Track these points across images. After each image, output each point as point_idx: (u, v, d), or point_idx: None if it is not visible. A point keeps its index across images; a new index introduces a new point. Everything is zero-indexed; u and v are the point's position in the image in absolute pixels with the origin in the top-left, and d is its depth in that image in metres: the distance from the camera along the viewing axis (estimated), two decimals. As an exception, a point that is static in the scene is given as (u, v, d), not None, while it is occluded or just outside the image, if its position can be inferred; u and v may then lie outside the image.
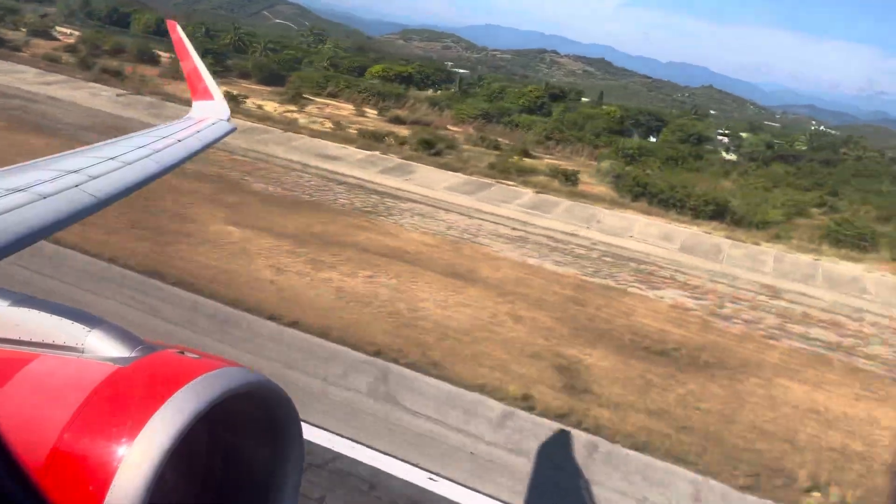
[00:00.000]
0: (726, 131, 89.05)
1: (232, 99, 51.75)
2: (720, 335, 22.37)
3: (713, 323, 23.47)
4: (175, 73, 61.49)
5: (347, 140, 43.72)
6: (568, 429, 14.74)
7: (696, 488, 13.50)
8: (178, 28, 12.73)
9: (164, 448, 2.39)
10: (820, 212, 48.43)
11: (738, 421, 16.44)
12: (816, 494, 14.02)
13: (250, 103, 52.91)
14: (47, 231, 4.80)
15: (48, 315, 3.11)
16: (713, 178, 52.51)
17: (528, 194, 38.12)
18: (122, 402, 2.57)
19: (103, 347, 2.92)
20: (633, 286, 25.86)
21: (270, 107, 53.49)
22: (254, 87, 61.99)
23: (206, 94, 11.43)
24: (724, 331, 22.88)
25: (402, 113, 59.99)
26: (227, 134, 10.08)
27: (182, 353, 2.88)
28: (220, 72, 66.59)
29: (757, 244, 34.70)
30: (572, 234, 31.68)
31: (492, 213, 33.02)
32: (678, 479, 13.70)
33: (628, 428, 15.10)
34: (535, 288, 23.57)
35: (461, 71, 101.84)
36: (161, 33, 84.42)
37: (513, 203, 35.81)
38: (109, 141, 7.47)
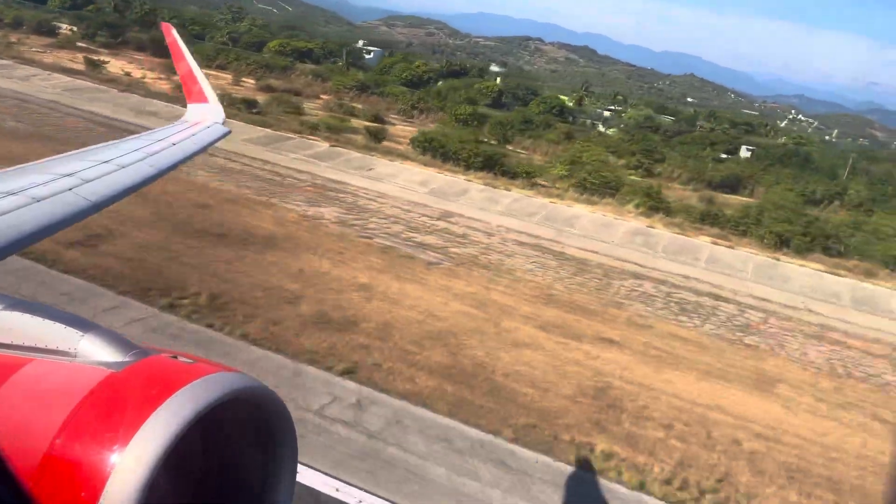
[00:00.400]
0: (614, 107, 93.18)
1: (91, 64, 55.61)
2: (304, 230, 26.82)
3: (321, 226, 27.87)
4: (66, 44, 65.37)
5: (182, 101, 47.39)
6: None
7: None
8: (173, 31, 12.82)
9: (158, 454, 2.39)
10: (635, 172, 53.00)
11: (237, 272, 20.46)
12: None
13: (118, 68, 56.68)
14: (41, 235, 4.81)
15: (41, 319, 3.10)
16: (547, 144, 56.68)
17: (323, 146, 42.20)
18: (115, 407, 2.55)
19: (96, 352, 2.91)
20: (287, 203, 30.22)
21: (140, 73, 57.01)
22: (147, 58, 65.32)
23: (201, 97, 11.37)
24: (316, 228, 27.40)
25: (275, 82, 63.80)
26: (222, 137, 10.01)
27: (175, 357, 2.89)
28: (116, 44, 70.14)
29: (497, 188, 38.98)
30: (311, 174, 36.13)
31: (268, 160, 37.09)
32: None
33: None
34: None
35: (374, 49, 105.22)
36: (77, 7, 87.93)
37: (299, 153, 39.84)
38: (104, 144, 7.49)
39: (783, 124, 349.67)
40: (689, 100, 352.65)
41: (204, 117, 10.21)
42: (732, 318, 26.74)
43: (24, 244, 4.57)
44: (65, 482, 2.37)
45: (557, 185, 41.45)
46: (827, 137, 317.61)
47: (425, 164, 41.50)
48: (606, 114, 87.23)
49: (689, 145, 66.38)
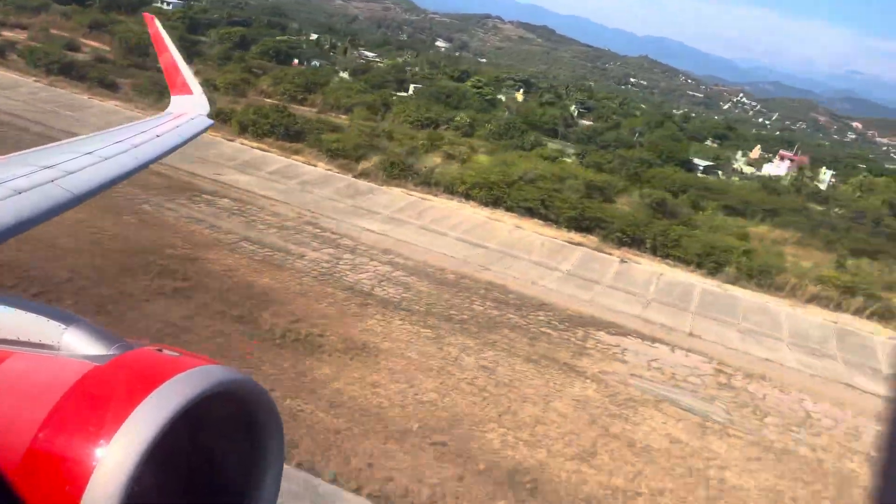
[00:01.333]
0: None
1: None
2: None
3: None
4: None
5: None
6: None
7: None
8: (157, 22, 12.63)
9: (143, 447, 2.34)
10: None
11: None
12: None
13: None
14: (22, 227, 4.72)
15: (23, 313, 3.02)
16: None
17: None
18: (99, 400, 2.50)
19: (80, 345, 2.86)
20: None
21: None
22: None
23: (185, 89, 11.23)
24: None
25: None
26: (206, 129, 9.87)
27: (160, 350, 2.81)
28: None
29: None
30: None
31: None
32: None
33: None
34: None
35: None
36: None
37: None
38: (87, 136, 7.34)
39: (726, 106, 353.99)
40: (631, 80, 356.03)
41: (188, 109, 10.15)
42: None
43: (5, 236, 4.50)
44: (48, 476, 2.34)
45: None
46: (761, 119, 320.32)
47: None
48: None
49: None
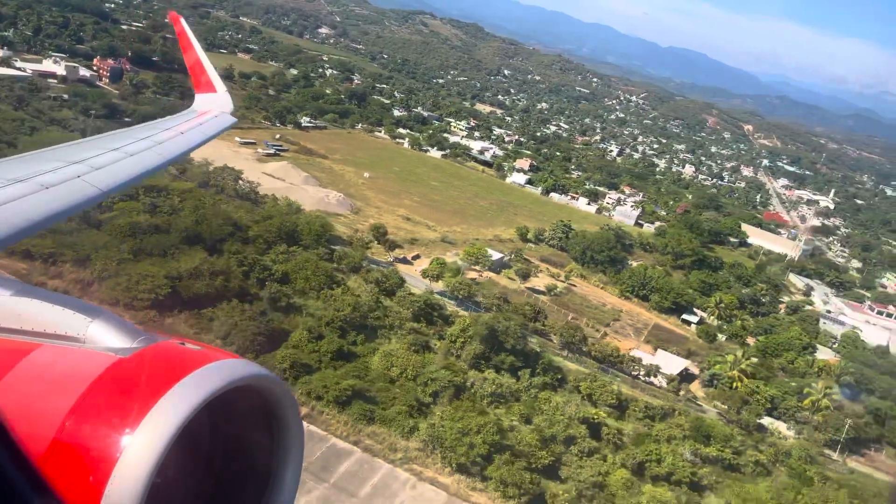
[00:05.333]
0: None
1: None
2: None
3: None
4: None
5: None
6: None
7: None
8: (182, 21, 13.16)
9: (166, 439, 2.39)
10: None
11: None
12: None
13: None
14: (48, 222, 4.77)
15: (50, 305, 3.10)
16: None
17: None
18: (124, 392, 2.54)
19: (105, 338, 2.92)
20: None
21: None
22: None
23: (210, 87, 11.72)
24: None
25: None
26: (230, 126, 10.38)
27: (183, 343, 2.89)
28: None
29: None
30: None
31: None
32: None
33: None
34: None
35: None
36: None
37: None
38: (113, 132, 7.52)
39: (609, 103, 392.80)
40: (505, 72, 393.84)
41: (212, 107, 10.65)
42: None
43: (32, 231, 4.55)
44: (74, 465, 2.38)
45: None
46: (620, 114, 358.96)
47: None
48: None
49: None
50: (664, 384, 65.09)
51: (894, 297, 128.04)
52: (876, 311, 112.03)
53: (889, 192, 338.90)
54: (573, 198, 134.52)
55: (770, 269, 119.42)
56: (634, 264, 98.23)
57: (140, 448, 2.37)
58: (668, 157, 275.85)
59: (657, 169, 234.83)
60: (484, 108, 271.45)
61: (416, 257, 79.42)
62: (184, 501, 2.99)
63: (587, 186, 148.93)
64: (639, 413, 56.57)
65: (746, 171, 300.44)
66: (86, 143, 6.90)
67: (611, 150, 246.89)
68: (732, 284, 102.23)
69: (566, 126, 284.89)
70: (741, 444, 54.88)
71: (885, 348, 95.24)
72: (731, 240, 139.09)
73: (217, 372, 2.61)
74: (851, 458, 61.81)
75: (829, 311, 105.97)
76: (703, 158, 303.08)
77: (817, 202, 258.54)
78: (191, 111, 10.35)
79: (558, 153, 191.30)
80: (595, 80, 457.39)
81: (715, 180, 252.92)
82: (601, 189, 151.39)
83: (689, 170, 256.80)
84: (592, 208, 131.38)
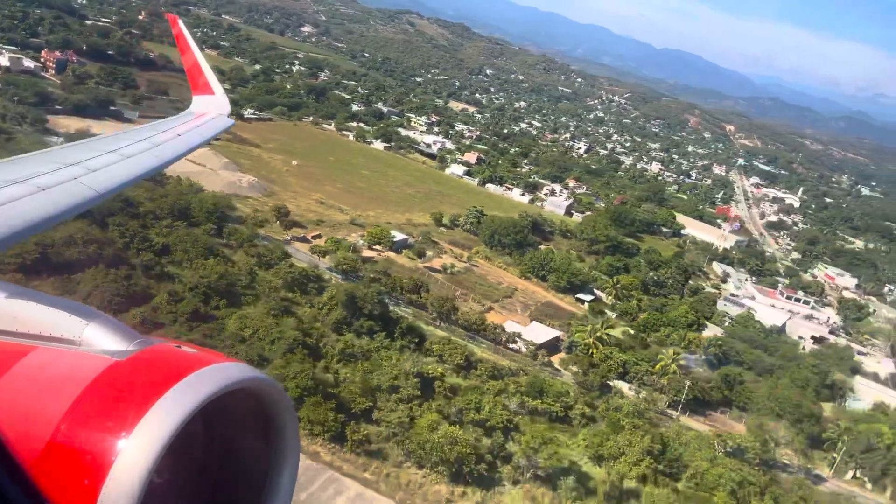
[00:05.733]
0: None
1: None
2: None
3: None
4: None
5: None
6: None
7: None
8: (180, 22, 13.12)
9: (161, 443, 2.37)
10: None
11: None
12: None
13: None
14: (45, 224, 4.75)
15: (45, 308, 3.08)
16: None
17: None
18: (119, 395, 2.53)
19: (100, 340, 2.89)
20: None
21: None
22: None
23: (207, 89, 11.72)
24: None
25: None
26: (226, 129, 10.42)
27: (179, 347, 2.88)
28: None
29: None
30: None
31: None
32: None
33: None
34: None
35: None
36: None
37: None
38: (110, 134, 7.51)
39: (591, 103, 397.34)
40: (487, 71, 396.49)
41: (209, 109, 10.64)
42: None
43: (29, 233, 4.54)
44: (68, 469, 2.36)
45: None
46: (599, 114, 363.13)
47: None
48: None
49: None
50: (524, 350, 70.16)
51: (812, 283, 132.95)
52: (786, 296, 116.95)
53: (865, 191, 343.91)
54: (508, 188, 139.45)
55: (688, 256, 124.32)
56: (543, 248, 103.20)
57: (135, 452, 2.35)
58: (637, 154, 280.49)
59: (622, 166, 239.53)
60: (458, 106, 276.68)
61: (318, 237, 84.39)
62: None
63: (530, 179, 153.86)
64: (484, 373, 61.54)
65: (718, 170, 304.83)
66: (82, 146, 6.97)
67: (578, 148, 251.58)
68: (643, 268, 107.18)
69: (538, 124, 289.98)
70: (573, 400, 59.87)
71: (780, 328, 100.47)
72: (665, 230, 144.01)
73: (213, 375, 2.60)
74: (693, 418, 66.78)
75: (733, 295, 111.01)
76: (676, 157, 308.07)
77: (783, 200, 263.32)
78: (188, 113, 10.46)
79: (517, 149, 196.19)
80: (579, 80, 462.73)
81: (681, 177, 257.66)
82: (544, 182, 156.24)
83: (655, 167, 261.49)
84: (526, 199, 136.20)
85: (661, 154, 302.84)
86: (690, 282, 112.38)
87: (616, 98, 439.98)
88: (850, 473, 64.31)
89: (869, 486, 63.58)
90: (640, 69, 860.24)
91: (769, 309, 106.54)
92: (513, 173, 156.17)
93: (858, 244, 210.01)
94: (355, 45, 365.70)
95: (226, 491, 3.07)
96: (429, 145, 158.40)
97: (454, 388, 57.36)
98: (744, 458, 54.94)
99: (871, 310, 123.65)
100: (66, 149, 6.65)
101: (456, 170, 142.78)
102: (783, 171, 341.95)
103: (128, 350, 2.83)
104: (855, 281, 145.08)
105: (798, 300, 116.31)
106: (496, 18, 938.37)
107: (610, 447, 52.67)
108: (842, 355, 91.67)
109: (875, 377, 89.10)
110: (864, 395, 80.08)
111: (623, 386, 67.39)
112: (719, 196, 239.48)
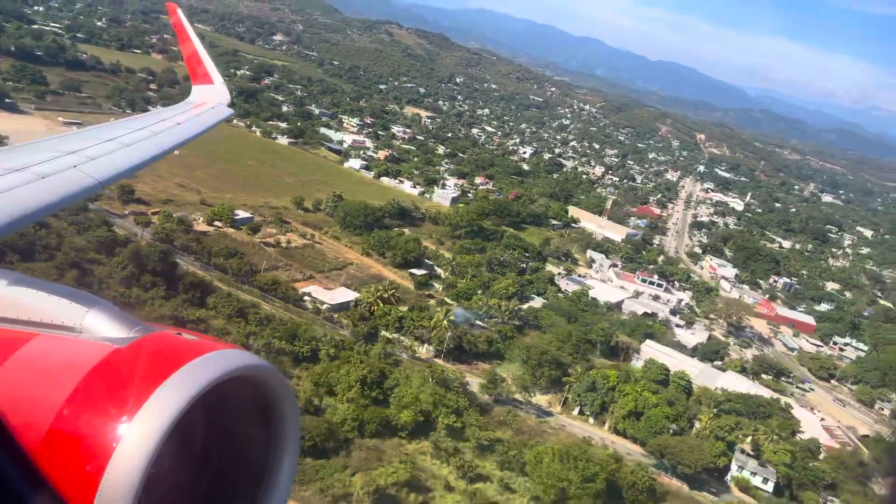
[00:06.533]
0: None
1: None
2: None
3: None
4: None
5: None
6: None
7: None
8: (179, 11, 12.99)
9: (162, 429, 2.38)
10: None
11: None
12: None
13: None
14: (45, 212, 4.77)
15: (46, 295, 3.08)
16: None
17: None
18: (120, 382, 2.54)
19: (101, 328, 2.92)
20: None
21: None
22: None
23: (206, 79, 11.73)
24: None
25: None
26: (226, 118, 10.31)
27: (179, 334, 2.90)
28: None
29: None
30: None
31: None
32: None
33: None
34: None
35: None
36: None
37: None
38: (109, 123, 7.57)
39: (562, 111, 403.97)
40: (457, 79, 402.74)
41: (209, 98, 10.71)
42: None
43: (29, 220, 4.54)
44: (70, 456, 2.37)
45: None
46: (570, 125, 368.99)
47: None
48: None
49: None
50: (310, 308, 78.84)
51: (679, 271, 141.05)
52: (640, 279, 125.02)
53: (828, 198, 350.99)
54: (400, 181, 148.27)
55: (555, 243, 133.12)
56: (408, 232, 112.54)
57: (137, 439, 2.36)
58: (585, 159, 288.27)
59: (563, 169, 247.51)
60: (414, 111, 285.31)
61: (156, 213, 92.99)
62: (180, 492, 3.00)
63: (437, 176, 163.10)
64: (253, 323, 69.96)
65: (671, 175, 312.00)
66: (81, 134, 7.04)
67: (524, 152, 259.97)
68: (498, 251, 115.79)
69: (491, 129, 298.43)
70: (325, 344, 68.17)
71: (615, 304, 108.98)
72: (554, 222, 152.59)
73: (214, 362, 2.62)
74: (455, 364, 75.09)
75: (580, 276, 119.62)
76: (631, 162, 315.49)
77: (726, 203, 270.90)
78: (187, 102, 10.48)
79: (447, 150, 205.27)
80: (553, 89, 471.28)
81: (625, 181, 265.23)
82: (451, 178, 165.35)
83: (598, 170, 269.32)
84: (416, 191, 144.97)
85: (615, 160, 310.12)
86: (549, 264, 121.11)
87: (588, 107, 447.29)
88: (577, 410, 72.54)
89: (591, 420, 71.85)
90: (633, 81, 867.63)
91: (611, 289, 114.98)
92: (423, 169, 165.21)
93: (786, 244, 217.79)
94: (326, 53, 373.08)
95: (226, 479, 3.09)
96: (340, 143, 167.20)
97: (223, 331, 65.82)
98: (449, 387, 63.19)
99: (719, 293, 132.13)
100: (64, 137, 6.69)
101: (354, 164, 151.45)
102: (743, 178, 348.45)
103: (128, 337, 2.86)
104: (735, 272, 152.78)
105: (652, 283, 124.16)
106: (493, 30, 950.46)
107: (332, 377, 61.22)
108: (639, 323, 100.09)
109: (678, 345, 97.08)
110: (647, 354, 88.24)
111: (397, 336, 76.18)
112: (657, 198, 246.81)
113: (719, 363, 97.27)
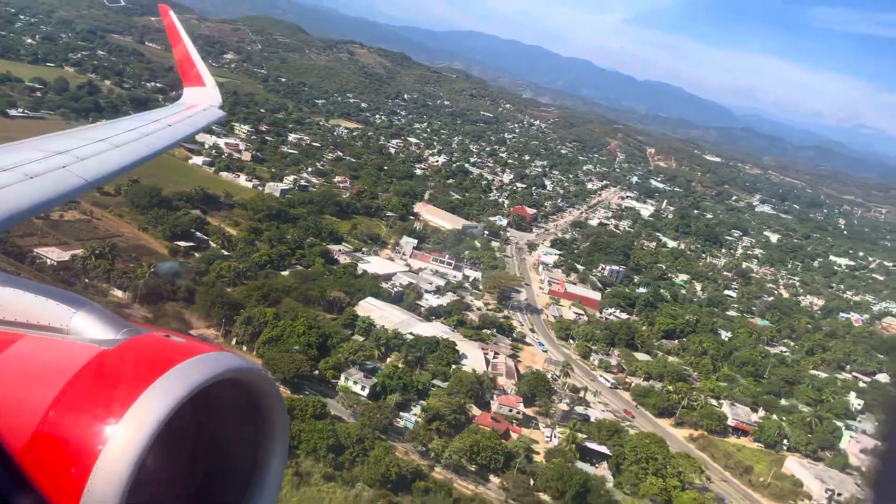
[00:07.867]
0: None
1: None
2: None
3: None
4: None
5: None
6: None
7: None
8: (171, 13, 13.48)
9: (149, 433, 2.38)
10: None
11: None
12: None
13: None
14: (33, 211, 4.84)
15: (33, 296, 3.07)
16: None
17: None
18: (107, 384, 2.55)
19: (88, 329, 2.91)
20: None
21: None
22: None
23: (198, 81, 12.16)
24: None
25: None
26: (217, 120, 10.95)
27: (168, 336, 2.90)
28: None
29: None
30: None
31: None
32: None
33: None
34: None
35: None
36: None
37: None
38: (99, 123, 7.98)
39: (511, 126, 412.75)
40: (405, 95, 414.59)
41: (200, 101, 11.00)
42: None
43: (16, 220, 4.56)
44: (55, 458, 2.37)
45: None
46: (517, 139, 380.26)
47: None
48: None
49: None
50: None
51: (484, 254, 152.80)
52: (433, 258, 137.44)
53: (765, 208, 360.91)
54: (236, 176, 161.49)
55: (362, 227, 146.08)
56: (184, 211, 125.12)
57: (123, 441, 2.35)
58: (500, 168, 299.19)
59: (469, 175, 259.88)
60: (344, 124, 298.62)
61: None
62: (167, 494, 2.98)
63: (286, 172, 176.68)
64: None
65: (594, 185, 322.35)
66: (71, 134, 7.09)
67: (436, 161, 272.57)
68: (290, 231, 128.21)
69: (415, 141, 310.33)
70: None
71: (386, 276, 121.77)
72: (390, 214, 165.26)
73: (202, 365, 2.62)
74: (146, 307, 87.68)
75: (362, 252, 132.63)
76: (556, 172, 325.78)
77: (633, 208, 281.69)
78: (179, 104, 10.93)
79: (337, 154, 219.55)
80: (508, 105, 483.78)
81: (534, 187, 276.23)
82: (307, 176, 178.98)
83: (507, 177, 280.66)
84: (251, 184, 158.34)
85: (539, 170, 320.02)
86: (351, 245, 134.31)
87: (538, 122, 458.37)
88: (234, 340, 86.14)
89: (244, 347, 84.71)
90: (618, 101, 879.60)
91: (388, 264, 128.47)
92: (280, 169, 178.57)
93: (671, 244, 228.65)
94: (275, 70, 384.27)
95: (214, 481, 3.10)
96: (201, 143, 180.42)
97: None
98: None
99: (500, 270, 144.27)
100: (54, 137, 6.72)
101: (198, 160, 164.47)
102: (677, 188, 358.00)
103: (116, 339, 2.86)
104: (554, 259, 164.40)
105: (443, 262, 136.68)
106: (480, 52, 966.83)
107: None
108: (371, 284, 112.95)
109: (417, 306, 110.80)
110: (364, 310, 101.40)
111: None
112: (555, 202, 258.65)
113: (444, 319, 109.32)
